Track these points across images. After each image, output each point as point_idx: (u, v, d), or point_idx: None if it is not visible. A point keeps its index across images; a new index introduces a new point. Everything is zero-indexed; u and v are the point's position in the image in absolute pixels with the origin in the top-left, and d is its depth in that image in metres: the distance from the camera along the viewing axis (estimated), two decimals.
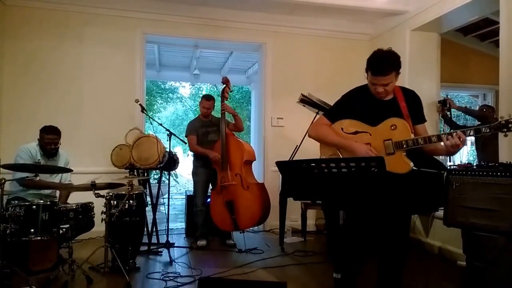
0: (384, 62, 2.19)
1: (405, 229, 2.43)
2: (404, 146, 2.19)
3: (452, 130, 2.19)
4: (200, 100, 4.50)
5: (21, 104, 4.41)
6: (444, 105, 4.58)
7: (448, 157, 2.21)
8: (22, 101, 4.41)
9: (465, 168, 2.74)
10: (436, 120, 4.69)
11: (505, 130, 2.01)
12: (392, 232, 2.31)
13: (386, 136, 2.24)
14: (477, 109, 5.14)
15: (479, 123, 4.78)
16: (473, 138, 5.03)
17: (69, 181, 3.70)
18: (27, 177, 3.24)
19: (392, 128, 2.23)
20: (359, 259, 2.50)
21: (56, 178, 3.65)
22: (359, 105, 2.34)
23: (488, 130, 2.06)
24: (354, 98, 2.39)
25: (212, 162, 4.14)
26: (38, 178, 3.20)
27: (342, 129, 2.37)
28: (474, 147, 5.44)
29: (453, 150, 2.11)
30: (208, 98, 4.44)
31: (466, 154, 8.05)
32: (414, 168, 2.22)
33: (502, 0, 3.37)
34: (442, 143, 2.16)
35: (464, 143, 2.08)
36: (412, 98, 2.36)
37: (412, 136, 2.22)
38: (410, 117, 2.28)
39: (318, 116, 3.70)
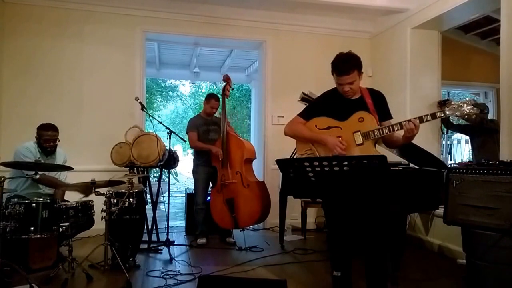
0: (345, 63, 2.38)
1: (402, 227, 2.45)
2: (372, 136, 2.36)
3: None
4: (206, 98, 4.43)
5: (21, 102, 4.40)
6: (443, 104, 4.61)
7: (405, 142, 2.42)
8: (21, 99, 4.40)
9: (466, 166, 2.75)
10: (437, 121, 4.69)
11: (458, 114, 2.24)
12: (390, 230, 2.33)
13: (355, 128, 2.41)
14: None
15: (470, 124, 4.80)
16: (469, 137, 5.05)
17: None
18: (27, 175, 3.25)
19: (360, 120, 2.41)
20: (358, 257, 2.51)
21: (56, 175, 3.65)
22: (330, 104, 2.53)
23: (442, 114, 2.28)
24: (326, 99, 2.60)
25: (214, 157, 4.14)
26: (38, 176, 3.20)
27: (316, 126, 2.55)
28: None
29: (408, 135, 2.31)
30: (217, 98, 4.42)
31: (467, 153, 8.05)
32: (415, 166, 2.24)
33: None
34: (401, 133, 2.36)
35: (417, 128, 2.28)
36: (377, 96, 2.55)
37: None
38: (377, 114, 2.46)
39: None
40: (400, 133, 2.39)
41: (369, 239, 2.36)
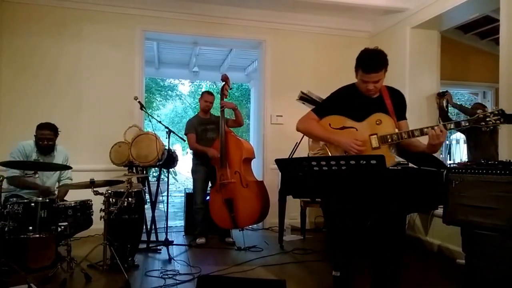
0: (375, 59, 2.27)
1: (401, 227, 2.44)
2: (389, 140, 2.27)
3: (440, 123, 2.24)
4: (200, 96, 4.51)
5: (20, 102, 4.39)
6: (442, 96, 4.62)
7: (432, 153, 2.33)
8: (20, 99, 4.39)
9: (465, 166, 2.74)
10: (436, 115, 4.69)
11: (483, 123, 2.08)
12: (389, 230, 2.31)
13: (372, 130, 2.32)
14: (470, 107, 5.17)
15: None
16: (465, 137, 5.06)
17: (69, 178, 3.69)
18: (26, 174, 3.25)
19: (378, 123, 2.32)
20: (357, 257, 2.50)
21: (54, 175, 3.65)
22: (347, 102, 2.42)
23: (467, 124, 2.14)
24: (342, 96, 2.48)
25: (211, 159, 4.14)
26: (37, 176, 3.20)
27: (329, 124, 2.44)
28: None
29: (434, 142, 2.16)
30: (210, 92, 4.51)
31: (466, 153, 8.04)
32: (415, 166, 2.23)
33: None
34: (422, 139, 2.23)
35: (445, 136, 2.14)
36: (397, 96, 2.47)
37: (397, 131, 2.31)
38: (395, 114, 2.37)
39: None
40: (419, 139, 2.28)
41: (373, 241, 2.33)
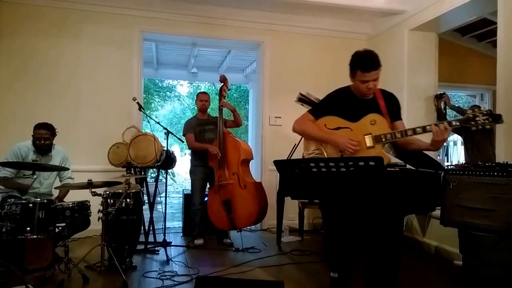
0: (372, 58, 2.36)
1: (399, 229, 2.44)
2: (383, 139, 2.32)
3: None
4: (195, 98, 4.54)
5: (18, 102, 4.38)
6: (439, 97, 4.64)
7: (435, 151, 2.37)
8: (19, 99, 4.39)
9: (462, 168, 2.76)
10: (434, 117, 4.70)
11: (473, 123, 2.15)
12: (387, 231, 2.32)
13: (366, 130, 2.37)
14: (468, 109, 5.20)
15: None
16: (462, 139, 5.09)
17: (70, 178, 3.69)
18: (24, 175, 3.24)
19: (372, 123, 2.37)
20: (355, 258, 2.51)
21: (52, 175, 3.64)
22: (342, 103, 2.48)
23: (458, 124, 2.21)
24: (337, 98, 2.54)
25: (211, 158, 4.13)
26: (35, 176, 3.20)
27: (325, 125, 2.49)
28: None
29: (438, 139, 2.20)
30: (204, 92, 4.59)
31: (463, 154, 8.06)
32: (412, 168, 2.23)
33: (500, 0, 3.38)
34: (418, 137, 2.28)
35: (448, 132, 2.19)
36: (390, 98, 2.52)
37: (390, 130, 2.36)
38: (389, 114, 2.42)
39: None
40: (419, 137, 2.33)
41: (371, 243, 2.34)
